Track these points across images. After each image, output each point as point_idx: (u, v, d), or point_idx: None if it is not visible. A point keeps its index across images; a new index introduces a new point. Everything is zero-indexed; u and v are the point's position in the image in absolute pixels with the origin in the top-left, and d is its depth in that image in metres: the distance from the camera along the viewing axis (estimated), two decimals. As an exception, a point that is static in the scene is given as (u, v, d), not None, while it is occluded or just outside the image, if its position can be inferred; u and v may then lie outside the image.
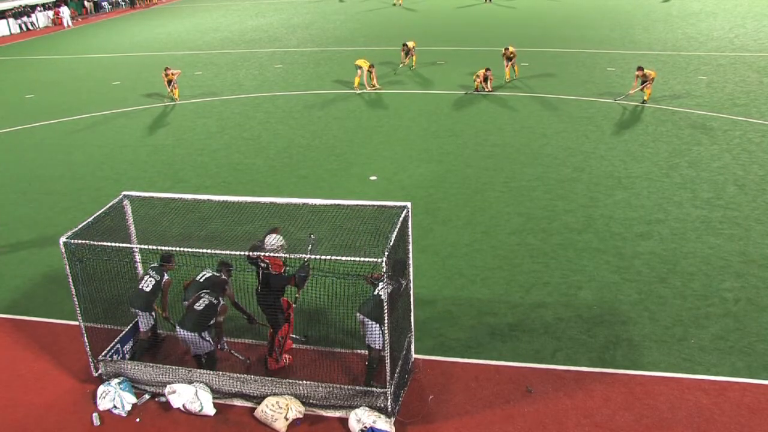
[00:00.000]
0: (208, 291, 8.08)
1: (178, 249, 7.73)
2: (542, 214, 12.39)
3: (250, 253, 7.79)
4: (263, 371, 8.20)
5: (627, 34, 29.18)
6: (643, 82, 18.71)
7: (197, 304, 7.90)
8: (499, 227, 11.96)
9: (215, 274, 8.49)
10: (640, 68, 18.83)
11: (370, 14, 39.28)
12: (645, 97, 18.81)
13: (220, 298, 8.03)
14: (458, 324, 9.20)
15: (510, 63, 21.72)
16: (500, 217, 12.34)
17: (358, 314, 7.79)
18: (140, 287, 8.46)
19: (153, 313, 8.57)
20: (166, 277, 8.64)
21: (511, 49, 21.55)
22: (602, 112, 18.34)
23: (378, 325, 7.47)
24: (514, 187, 13.68)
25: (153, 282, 8.47)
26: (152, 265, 8.67)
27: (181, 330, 7.84)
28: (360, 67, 21.59)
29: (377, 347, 7.57)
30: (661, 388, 7.76)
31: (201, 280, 8.46)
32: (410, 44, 24.22)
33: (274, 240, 7.99)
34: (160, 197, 8.97)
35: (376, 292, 7.76)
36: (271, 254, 7.90)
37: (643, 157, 14.97)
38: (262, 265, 8.01)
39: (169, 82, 21.44)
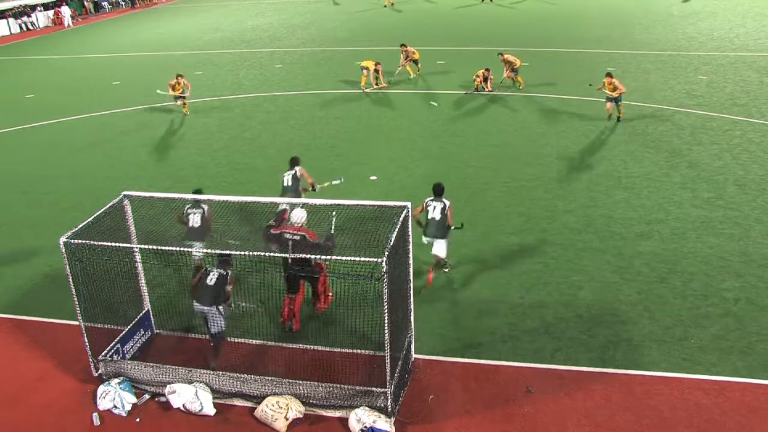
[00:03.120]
0: (215, 266, 8.23)
1: (178, 249, 7.74)
2: (542, 214, 12.39)
3: (274, 226, 8.61)
4: (263, 371, 8.19)
5: (627, 34, 29.17)
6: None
7: (209, 278, 8.09)
8: (499, 227, 11.95)
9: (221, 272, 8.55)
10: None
11: (370, 14, 39.28)
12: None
13: (228, 270, 8.18)
14: (458, 324, 9.20)
15: (514, 74, 21.17)
16: (500, 217, 12.33)
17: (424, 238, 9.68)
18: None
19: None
20: (206, 209, 9.38)
21: (507, 57, 21.21)
22: (602, 112, 18.32)
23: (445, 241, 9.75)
24: (514, 187, 13.68)
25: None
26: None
27: (200, 305, 8.06)
28: (366, 68, 21.53)
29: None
30: (661, 388, 7.76)
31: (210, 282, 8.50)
32: (411, 50, 22.93)
33: (300, 213, 8.65)
34: (160, 197, 8.97)
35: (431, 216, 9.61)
36: (301, 225, 8.56)
37: (643, 157, 14.97)
38: (296, 237, 8.48)
39: (176, 90, 19.44)
